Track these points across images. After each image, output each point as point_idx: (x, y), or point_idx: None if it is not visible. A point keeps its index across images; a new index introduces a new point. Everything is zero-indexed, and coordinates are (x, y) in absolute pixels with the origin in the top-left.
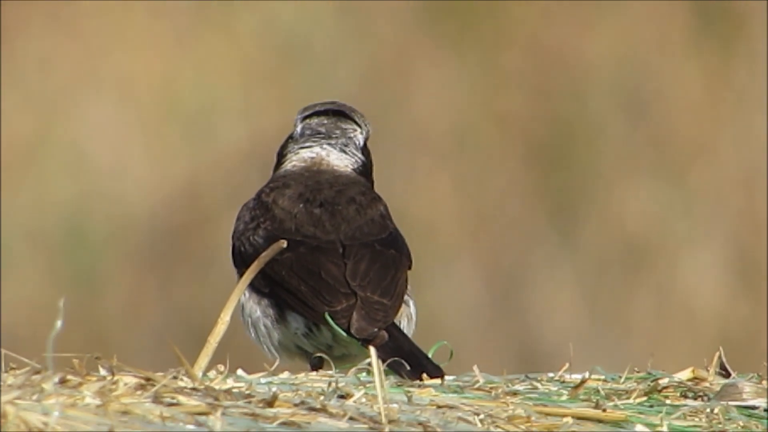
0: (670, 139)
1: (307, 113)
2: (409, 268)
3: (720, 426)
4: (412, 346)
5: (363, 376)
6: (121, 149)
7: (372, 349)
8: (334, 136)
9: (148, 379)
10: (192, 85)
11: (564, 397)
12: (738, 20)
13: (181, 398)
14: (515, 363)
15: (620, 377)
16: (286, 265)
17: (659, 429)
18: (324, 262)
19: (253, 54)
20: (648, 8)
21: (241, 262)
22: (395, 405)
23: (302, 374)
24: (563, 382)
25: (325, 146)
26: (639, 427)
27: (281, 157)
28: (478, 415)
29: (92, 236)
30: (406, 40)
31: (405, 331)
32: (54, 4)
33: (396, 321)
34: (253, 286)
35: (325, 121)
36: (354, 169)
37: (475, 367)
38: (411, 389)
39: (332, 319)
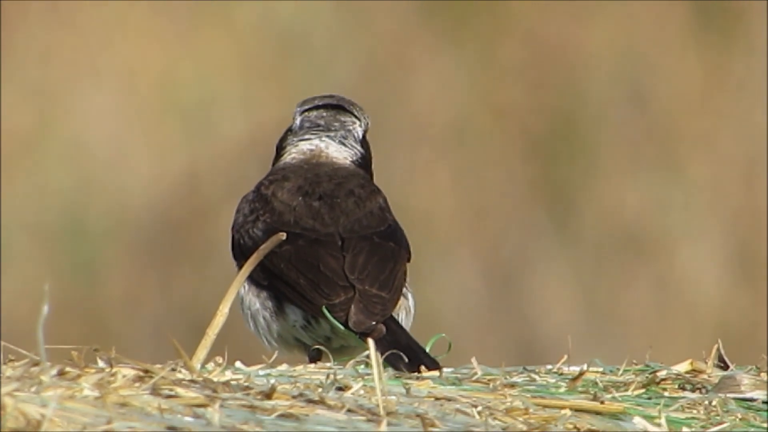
0: (669, 132)
1: (306, 106)
2: (408, 260)
3: (718, 418)
4: (410, 339)
5: (361, 368)
6: (120, 142)
7: (370, 342)
8: (333, 128)
9: (146, 371)
10: (191, 78)
11: (562, 390)
12: (737, 13)
13: (180, 390)
14: (513, 355)
15: (618, 369)
16: (285, 257)
17: (657, 421)
18: (323, 255)
19: (253, 47)
20: (647, 1)
21: (241, 254)
22: (393, 397)
23: (300, 366)
24: (561, 374)
25: (324, 139)
26: (637, 419)
27: (280, 149)
28: (476, 407)
29: (91, 228)
30: (404, 34)
31: (403, 325)
32: None
33: (394, 314)
34: (253, 279)
35: (324, 114)
36: (353, 162)
37: (473, 360)
38: (409, 381)
39: (330, 312)
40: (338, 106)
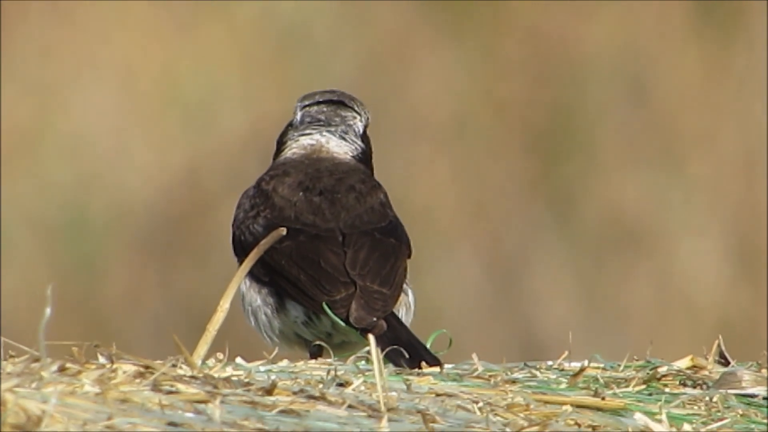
0: (669, 127)
1: (306, 101)
2: (409, 256)
3: (719, 414)
4: (411, 335)
5: (362, 364)
6: (120, 137)
7: (371, 338)
8: (333, 123)
9: (147, 367)
10: (192, 73)
11: (563, 385)
12: (737, 9)
13: (180, 386)
14: (514, 351)
15: (619, 365)
16: (286, 253)
17: (658, 417)
18: (323, 251)
19: (253, 42)
20: None
21: (241, 250)
22: (394, 393)
23: (301, 362)
24: (562, 370)
25: (324, 133)
26: (638, 415)
27: (281, 144)
28: (477, 403)
29: (92, 224)
30: (405, 28)
31: (403, 321)
32: None
33: (395, 310)
34: (254, 275)
35: (325, 109)
36: (354, 157)
37: (474, 356)
38: (410, 377)
39: (331, 308)
40: (339, 101)
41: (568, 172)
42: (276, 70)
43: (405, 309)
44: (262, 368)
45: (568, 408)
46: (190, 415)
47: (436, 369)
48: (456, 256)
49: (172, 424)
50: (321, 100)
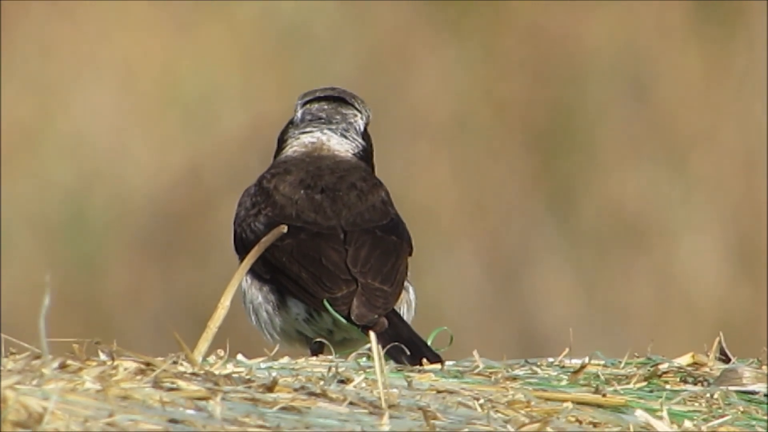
0: (669, 125)
1: (307, 99)
2: (410, 254)
3: (720, 411)
4: (412, 332)
5: (363, 361)
6: (121, 135)
7: (372, 335)
8: (334, 121)
9: (148, 364)
10: (192, 71)
11: (564, 382)
12: (737, 7)
13: (181, 383)
14: (515, 348)
15: (620, 362)
16: (287, 251)
17: (659, 414)
18: (325, 249)
19: (253, 40)
20: None
21: (242, 248)
22: (395, 390)
23: (302, 359)
24: (563, 367)
25: (325, 131)
26: (639, 412)
27: (282, 142)
28: (477, 400)
29: (93, 222)
30: (405, 27)
31: (405, 318)
32: None
33: (396, 308)
34: (255, 273)
35: (326, 107)
36: (354, 154)
37: (475, 352)
38: (411, 374)
39: (332, 305)
40: (339, 99)
41: (569, 171)
42: (276, 70)
43: (406, 306)
44: (263, 365)
45: (569, 405)
46: (191, 412)
47: (437, 366)
48: (456, 255)
49: (173, 421)
50: (321, 97)
